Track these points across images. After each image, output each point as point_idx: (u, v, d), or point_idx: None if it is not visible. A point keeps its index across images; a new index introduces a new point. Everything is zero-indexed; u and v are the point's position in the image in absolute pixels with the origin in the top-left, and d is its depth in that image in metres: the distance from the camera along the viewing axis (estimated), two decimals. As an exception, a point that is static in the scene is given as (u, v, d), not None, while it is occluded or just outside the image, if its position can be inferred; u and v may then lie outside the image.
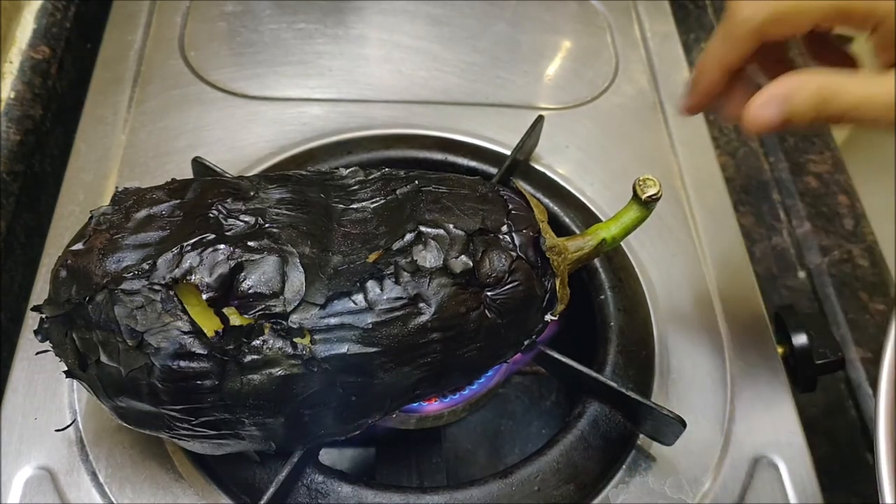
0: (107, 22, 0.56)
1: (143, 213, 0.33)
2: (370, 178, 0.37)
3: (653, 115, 0.55)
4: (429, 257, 0.32)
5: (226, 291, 0.31)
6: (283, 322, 0.30)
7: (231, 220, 0.33)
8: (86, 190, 0.46)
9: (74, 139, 0.49)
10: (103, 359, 0.31)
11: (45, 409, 0.38)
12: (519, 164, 0.48)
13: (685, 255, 0.47)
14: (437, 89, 0.54)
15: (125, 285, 0.31)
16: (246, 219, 0.33)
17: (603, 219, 0.47)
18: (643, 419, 0.38)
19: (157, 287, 0.30)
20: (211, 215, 0.33)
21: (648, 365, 0.42)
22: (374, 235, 0.33)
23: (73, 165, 0.48)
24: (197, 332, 0.30)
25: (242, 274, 0.31)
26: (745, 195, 0.57)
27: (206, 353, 0.30)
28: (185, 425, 0.31)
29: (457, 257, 0.32)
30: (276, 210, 0.34)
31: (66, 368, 0.32)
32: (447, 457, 0.43)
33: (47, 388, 0.39)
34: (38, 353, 0.35)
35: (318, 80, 0.54)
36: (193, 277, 0.31)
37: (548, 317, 0.35)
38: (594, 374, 0.38)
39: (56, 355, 0.33)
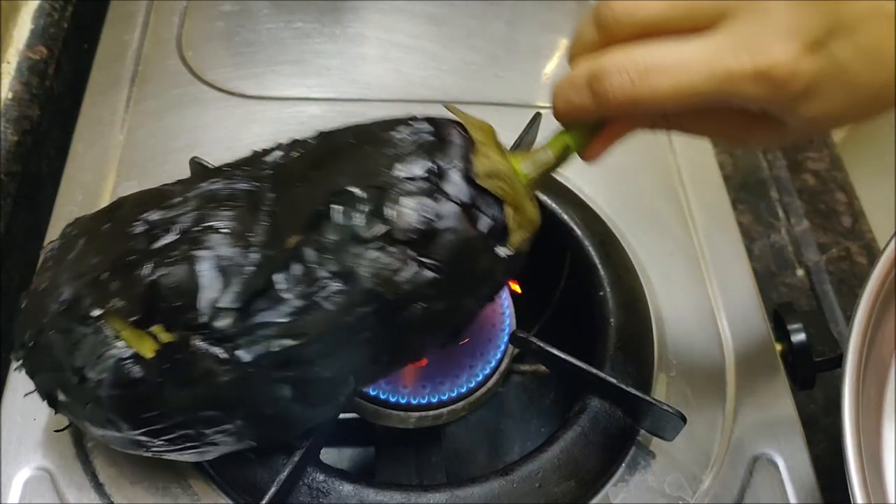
0: (104, 22, 0.56)
1: (81, 242, 0.33)
2: (291, 151, 0.34)
3: (651, 114, 0.55)
4: (339, 229, 0.30)
5: (149, 310, 0.30)
6: (208, 331, 0.30)
7: (155, 233, 0.31)
8: (84, 190, 0.46)
9: (72, 139, 0.49)
10: (61, 398, 0.32)
11: (45, 409, 0.37)
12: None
13: (683, 253, 0.47)
14: (435, 88, 0.54)
15: (61, 323, 0.31)
16: (170, 228, 0.31)
17: (602, 217, 0.47)
18: (643, 415, 0.38)
19: (86, 320, 0.30)
20: (135, 232, 0.32)
21: (648, 361, 0.42)
22: (292, 216, 0.31)
23: (71, 166, 0.48)
24: (134, 357, 0.30)
25: (161, 290, 0.30)
26: (743, 193, 0.57)
27: (143, 375, 0.30)
28: (155, 445, 0.32)
29: (367, 223, 0.29)
30: (200, 213, 0.32)
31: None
32: (447, 455, 0.43)
33: (46, 388, 0.39)
34: (25, 395, 0.35)
35: (316, 79, 0.54)
36: (114, 304, 0.30)
37: (501, 251, 0.31)
38: (594, 371, 0.38)
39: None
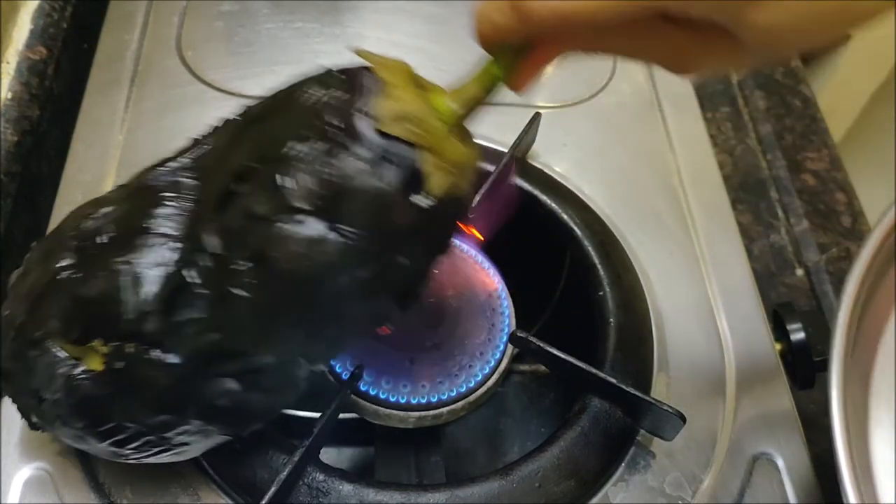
0: (103, 22, 0.56)
1: (36, 256, 0.33)
2: (217, 133, 0.33)
3: (650, 113, 0.55)
4: (242, 211, 0.28)
5: (83, 326, 0.30)
6: (139, 338, 0.29)
7: (84, 244, 0.31)
8: (83, 190, 0.46)
9: (72, 140, 0.49)
10: (34, 419, 0.32)
11: (44, 409, 0.38)
12: (517, 162, 0.48)
13: (683, 253, 0.47)
14: (434, 88, 0.54)
15: (15, 350, 0.31)
16: (97, 237, 0.31)
17: (602, 217, 0.47)
18: (643, 415, 0.38)
19: (34, 344, 0.30)
20: (68, 247, 0.31)
21: (647, 361, 0.42)
22: (206, 204, 0.30)
23: (71, 166, 0.48)
24: (85, 372, 0.30)
25: (84, 305, 0.30)
26: (742, 193, 0.57)
27: (94, 390, 0.30)
28: (125, 453, 0.32)
29: (269, 199, 0.27)
30: (127, 216, 0.31)
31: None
32: (446, 455, 0.43)
33: (46, 388, 0.39)
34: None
35: (316, 79, 0.54)
36: (52, 325, 0.30)
37: (421, 201, 0.28)
38: (594, 371, 0.38)
39: None
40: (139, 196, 0.32)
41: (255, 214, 0.27)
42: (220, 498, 0.36)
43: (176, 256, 0.29)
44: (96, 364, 0.30)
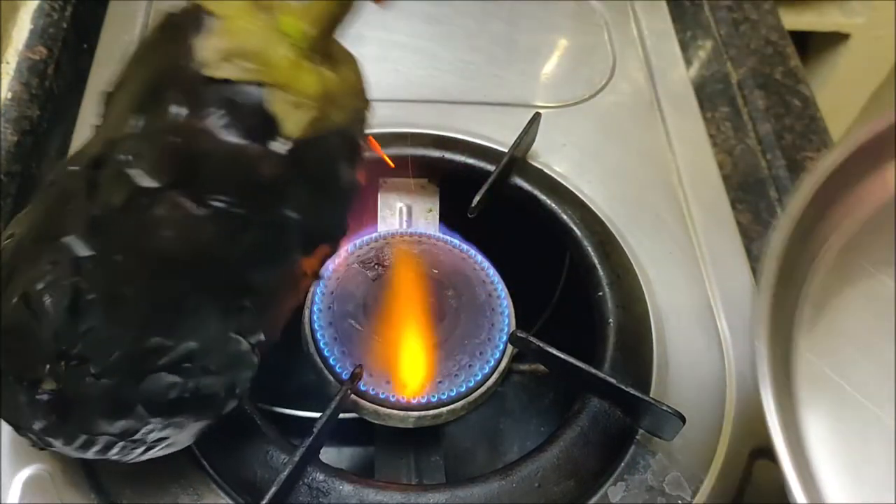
0: (103, 22, 0.56)
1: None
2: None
3: (650, 113, 0.55)
4: (113, 199, 0.26)
5: (19, 356, 0.29)
6: (64, 356, 0.28)
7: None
8: (83, 190, 0.46)
9: (72, 140, 0.49)
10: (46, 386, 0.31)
11: (44, 409, 0.38)
12: (517, 162, 0.48)
13: (683, 253, 0.47)
14: (434, 88, 0.54)
15: None
16: (7, 260, 0.29)
17: (601, 217, 0.47)
18: (642, 415, 0.38)
19: None
20: None
21: (647, 361, 0.42)
22: (76, 205, 0.28)
23: (71, 166, 0.48)
24: (46, 394, 0.29)
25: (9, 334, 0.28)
26: (742, 193, 0.57)
27: (55, 412, 0.29)
28: (116, 458, 0.31)
29: (124, 184, 0.25)
30: (29, 231, 0.29)
31: None
32: (446, 455, 0.43)
33: (46, 388, 0.39)
34: None
35: (316, 79, 0.54)
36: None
37: (278, 147, 0.25)
38: (593, 370, 0.38)
39: None
40: (39, 204, 0.30)
41: (114, 206, 0.25)
42: (220, 498, 0.36)
43: (66, 265, 0.27)
44: (50, 385, 0.28)
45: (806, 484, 0.28)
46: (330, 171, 0.28)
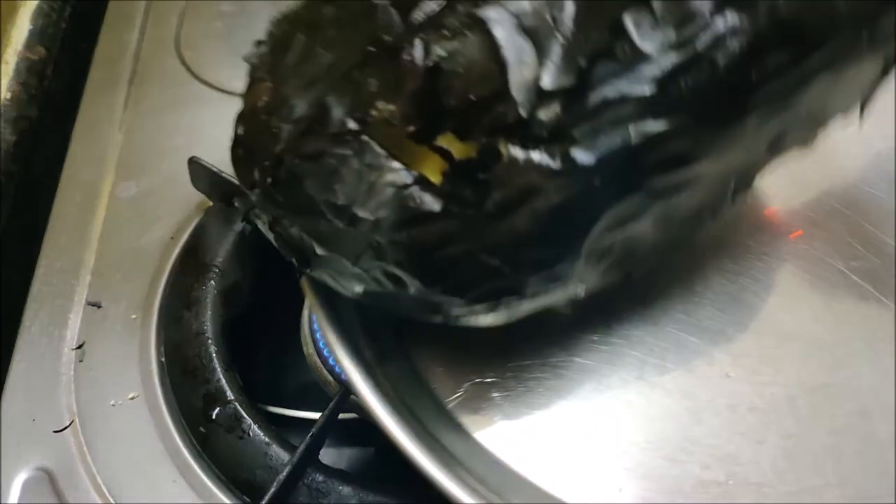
0: (102, 22, 0.56)
1: (301, 39, 0.24)
2: None
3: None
4: None
5: (431, 112, 0.21)
6: (525, 130, 0.20)
7: (409, 6, 0.22)
8: (82, 190, 0.46)
9: (70, 140, 0.49)
10: (320, 251, 0.23)
11: (44, 410, 0.38)
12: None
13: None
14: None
15: (305, 148, 0.22)
16: (417, 3, 0.21)
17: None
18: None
19: (344, 138, 0.21)
20: (375, 4, 0.22)
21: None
22: None
23: (70, 166, 0.48)
24: (419, 181, 0.21)
25: (444, 78, 0.20)
26: (742, 192, 0.57)
27: (440, 208, 0.21)
28: (456, 307, 0.24)
29: None
30: None
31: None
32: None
33: (45, 389, 0.39)
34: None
35: (315, 79, 0.53)
36: (379, 110, 0.21)
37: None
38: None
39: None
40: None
41: None
42: (220, 498, 0.36)
43: (573, 7, 0.20)
44: (434, 171, 0.21)
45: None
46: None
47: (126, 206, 0.45)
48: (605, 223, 0.22)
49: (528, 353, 0.31)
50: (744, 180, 0.25)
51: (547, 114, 0.20)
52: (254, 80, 0.24)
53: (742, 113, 0.21)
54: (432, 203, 0.21)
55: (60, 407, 0.38)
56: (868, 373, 0.31)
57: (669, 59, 0.20)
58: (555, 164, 0.20)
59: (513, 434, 0.30)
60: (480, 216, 0.21)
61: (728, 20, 0.20)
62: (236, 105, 0.56)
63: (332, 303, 0.28)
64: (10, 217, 0.47)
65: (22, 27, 0.54)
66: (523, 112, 0.20)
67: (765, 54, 0.20)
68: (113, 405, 0.38)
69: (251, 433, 0.36)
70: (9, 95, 0.50)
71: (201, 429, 0.37)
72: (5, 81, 0.50)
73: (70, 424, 0.38)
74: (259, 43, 0.25)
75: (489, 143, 0.21)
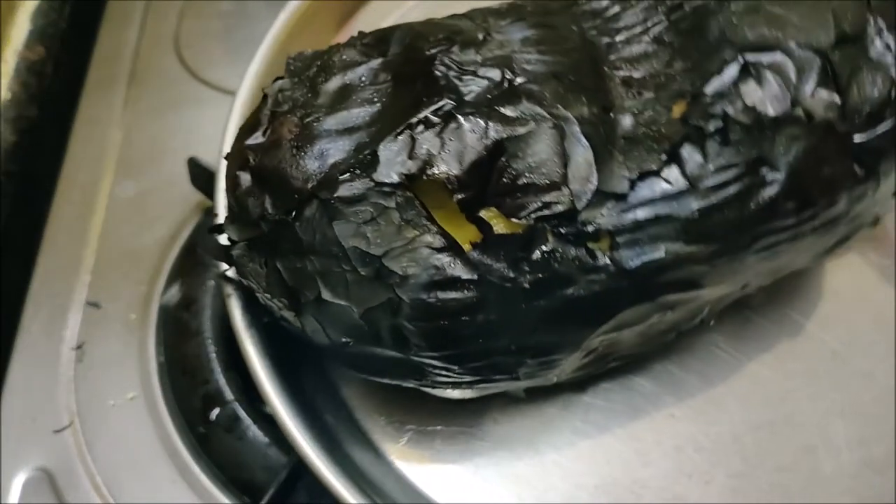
0: (102, 22, 0.56)
1: (335, 83, 0.24)
2: None
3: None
4: (769, 97, 0.22)
5: (482, 186, 0.22)
6: (571, 223, 0.21)
7: (467, 78, 0.22)
8: (81, 190, 0.46)
9: (70, 139, 0.49)
10: (325, 295, 0.23)
11: (43, 410, 0.38)
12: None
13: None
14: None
15: (342, 190, 0.22)
16: (488, 74, 0.22)
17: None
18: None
19: (387, 188, 0.21)
20: (437, 74, 0.23)
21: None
22: (669, 77, 0.23)
23: (69, 165, 0.48)
24: (452, 247, 0.22)
25: (504, 158, 0.21)
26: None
27: (471, 277, 0.21)
28: (444, 373, 0.24)
29: (814, 92, 0.22)
30: (524, 56, 0.23)
31: (263, 308, 0.25)
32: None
33: (45, 389, 0.39)
34: (230, 283, 0.27)
35: (315, 77, 0.53)
36: (436, 169, 0.21)
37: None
38: None
39: (249, 290, 0.25)
40: (526, 39, 0.24)
41: (804, 113, 0.22)
42: (220, 498, 0.36)
43: (630, 126, 0.22)
44: (463, 240, 0.22)
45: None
46: None
47: (125, 205, 0.45)
48: (612, 324, 0.24)
49: (471, 399, 0.30)
50: (713, 310, 0.27)
51: (595, 213, 0.22)
52: (276, 115, 0.24)
53: (747, 250, 0.23)
54: (468, 271, 0.21)
55: (60, 407, 0.38)
56: (810, 409, 0.31)
57: (712, 194, 0.22)
58: (593, 261, 0.22)
59: (456, 481, 0.30)
60: (512, 291, 0.22)
61: (769, 175, 0.22)
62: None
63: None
64: (9, 217, 0.47)
65: (22, 27, 0.54)
66: (578, 205, 0.21)
67: (783, 205, 0.23)
68: (112, 405, 0.38)
69: (251, 433, 0.36)
70: (9, 95, 0.50)
71: (201, 429, 0.37)
72: (5, 81, 0.50)
73: (70, 424, 0.38)
74: (279, 78, 0.25)
75: (537, 225, 0.21)
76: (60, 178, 0.47)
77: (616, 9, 0.25)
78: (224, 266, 0.25)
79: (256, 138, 0.24)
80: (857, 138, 0.23)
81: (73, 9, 0.57)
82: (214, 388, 0.37)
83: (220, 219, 0.26)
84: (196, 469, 0.36)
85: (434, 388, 0.25)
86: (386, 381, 0.26)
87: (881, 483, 0.29)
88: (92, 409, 0.38)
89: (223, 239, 0.25)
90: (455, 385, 0.25)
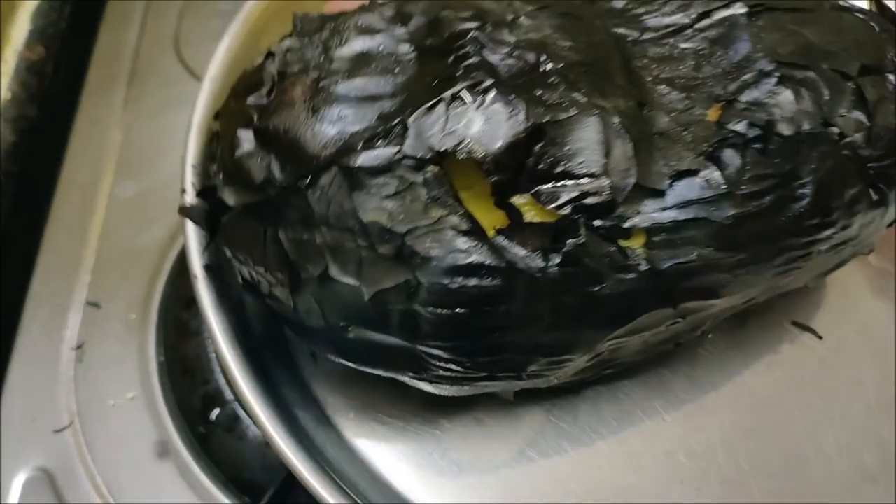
0: (102, 22, 0.56)
1: (352, 48, 0.22)
2: None
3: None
4: (804, 112, 0.21)
5: (517, 169, 0.20)
6: (606, 217, 0.20)
7: (503, 57, 0.21)
8: (81, 190, 0.46)
9: (70, 139, 0.49)
10: (332, 272, 0.21)
11: (43, 410, 0.38)
12: None
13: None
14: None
15: (365, 159, 0.20)
16: (525, 56, 0.21)
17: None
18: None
19: (415, 162, 0.20)
20: (470, 49, 0.21)
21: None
22: (698, 81, 0.22)
23: (69, 165, 0.48)
24: (477, 232, 0.20)
25: (543, 142, 0.20)
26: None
27: (497, 264, 0.20)
28: (448, 367, 0.22)
29: (846, 113, 0.22)
30: (558, 42, 0.22)
31: (245, 282, 0.23)
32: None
33: (45, 389, 0.39)
34: (205, 267, 0.25)
35: (314, 77, 0.53)
36: (472, 148, 0.20)
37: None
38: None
39: (235, 265, 0.23)
40: (559, 26, 0.23)
41: (837, 131, 0.23)
42: (220, 498, 0.36)
43: (666, 127, 0.21)
44: (488, 225, 0.21)
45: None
46: None
47: (125, 205, 0.45)
48: (629, 327, 0.22)
49: (457, 400, 0.29)
50: (714, 322, 0.27)
51: (632, 209, 0.20)
52: (286, 76, 0.22)
53: (769, 263, 0.23)
54: (494, 258, 0.20)
55: (60, 407, 0.38)
56: (800, 416, 0.30)
57: (748, 202, 0.21)
58: (624, 259, 0.21)
59: (437, 484, 0.29)
60: (539, 284, 0.20)
61: (798, 190, 0.22)
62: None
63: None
64: (9, 217, 0.47)
65: (22, 27, 0.54)
66: (618, 197, 0.20)
67: (807, 221, 0.22)
68: (112, 405, 0.38)
69: (251, 433, 0.36)
70: (9, 95, 0.50)
71: (201, 429, 0.37)
72: (5, 81, 0.50)
73: (70, 425, 0.38)
74: (286, 37, 0.24)
75: (572, 216, 0.20)
76: (60, 178, 0.47)
77: (640, 10, 0.24)
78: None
79: (260, 97, 0.22)
80: (875, 164, 0.23)
81: (73, 9, 0.57)
82: (214, 388, 0.37)
83: (189, 191, 0.24)
84: (196, 469, 0.36)
85: (431, 382, 0.24)
86: (376, 371, 0.24)
87: (873, 491, 0.29)
88: (92, 409, 0.38)
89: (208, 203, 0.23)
90: (454, 381, 0.23)
